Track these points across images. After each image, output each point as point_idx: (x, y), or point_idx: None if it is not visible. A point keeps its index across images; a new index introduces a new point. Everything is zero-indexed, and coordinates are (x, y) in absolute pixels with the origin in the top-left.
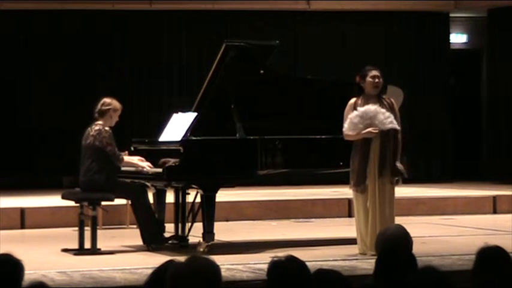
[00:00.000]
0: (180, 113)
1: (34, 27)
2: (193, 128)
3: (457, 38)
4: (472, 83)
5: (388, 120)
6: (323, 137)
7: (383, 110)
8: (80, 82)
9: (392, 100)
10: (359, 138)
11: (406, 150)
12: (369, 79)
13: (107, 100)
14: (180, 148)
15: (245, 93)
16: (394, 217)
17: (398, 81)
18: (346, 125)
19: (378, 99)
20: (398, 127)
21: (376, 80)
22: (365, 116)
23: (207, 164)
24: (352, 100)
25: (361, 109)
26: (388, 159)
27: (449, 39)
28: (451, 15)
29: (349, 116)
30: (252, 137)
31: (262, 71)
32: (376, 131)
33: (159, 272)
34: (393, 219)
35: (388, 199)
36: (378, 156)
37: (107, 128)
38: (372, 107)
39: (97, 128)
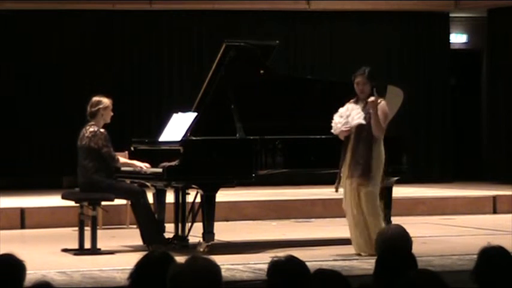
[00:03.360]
0: (180, 113)
1: (34, 27)
2: (193, 128)
3: (457, 38)
4: (472, 83)
5: (357, 116)
6: (323, 136)
7: (359, 109)
8: (79, 82)
9: (383, 102)
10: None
11: (406, 150)
12: (355, 84)
13: (94, 100)
14: (180, 148)
15: (245, 93)
16: (370, 218)
17: (398, 81)
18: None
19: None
20: (364, 122)
21: (360, 87)
22: (343, 115)
23: (207, 164)
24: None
25: (341, 109)
26: (357, 160)
27: (449, 39)
28: (451, 15)
29: (334, 116)
30: (252, 137)
31: (262, 71)
32: (347, 129)
33: (143, 264)
34: (366, 221)
35: (360, 200)
36: (350, 157)
37: (102, 130)
38: (350, 106)
39: (91, 129)
